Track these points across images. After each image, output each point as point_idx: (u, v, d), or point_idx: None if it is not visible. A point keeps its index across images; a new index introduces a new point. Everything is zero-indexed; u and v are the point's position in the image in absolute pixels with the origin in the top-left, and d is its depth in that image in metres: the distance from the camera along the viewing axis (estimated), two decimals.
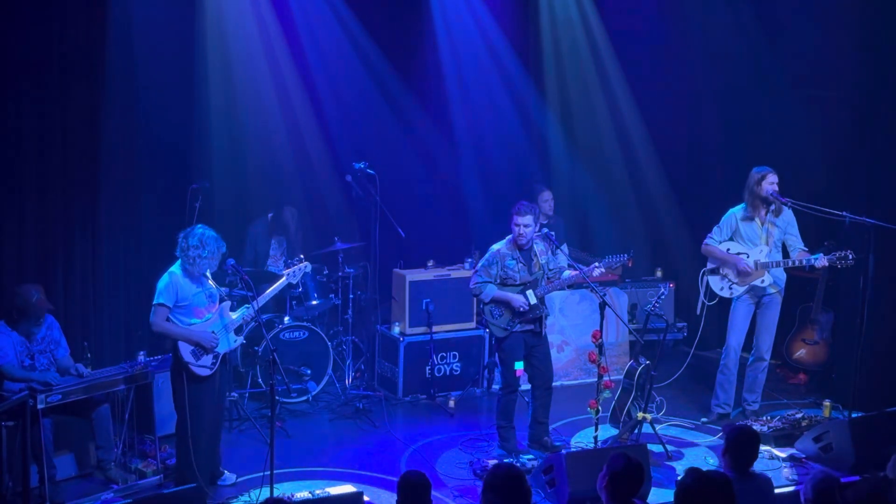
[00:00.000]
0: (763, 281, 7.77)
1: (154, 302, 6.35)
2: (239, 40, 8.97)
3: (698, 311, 7.91)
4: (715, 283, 7.87)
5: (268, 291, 6.81)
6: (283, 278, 6.91)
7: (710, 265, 7.90)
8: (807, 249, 7.76)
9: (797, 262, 7.67)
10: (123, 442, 6.97)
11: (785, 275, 7.83)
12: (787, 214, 7.76)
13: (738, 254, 7.75)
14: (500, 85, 10.12)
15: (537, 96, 10.28)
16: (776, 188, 7.64)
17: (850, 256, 7.46)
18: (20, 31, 7.21)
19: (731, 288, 7.84)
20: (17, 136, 7.29)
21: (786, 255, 7.79)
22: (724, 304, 8.02)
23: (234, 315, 6.60)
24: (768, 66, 9.32)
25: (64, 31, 7.42)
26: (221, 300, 6.57)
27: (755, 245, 7.74)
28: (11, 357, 6.57)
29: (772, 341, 7.95)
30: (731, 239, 7.82)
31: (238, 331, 6.62)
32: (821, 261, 7.53)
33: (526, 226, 7.07)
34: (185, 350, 6.34)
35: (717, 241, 7.82)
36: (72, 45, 7.47)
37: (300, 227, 9.19)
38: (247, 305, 6.63)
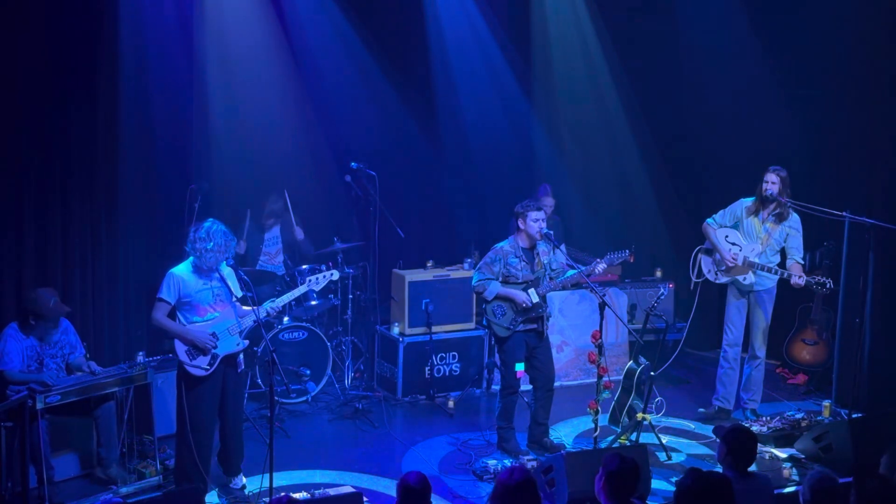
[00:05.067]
0: (746, 279, 7.79)
1: (157, 296, 6.39)
2: (238, 40, 8.96)
3: (692, 287, 7.96)
4: (706, 263, 7.96)
5: (284, 296, 6.78)
6: (305, 284, 6.88)
7: (706, 244, 7.93)
8: (803, 263, 7.78)
9: (778, 273, 7.67)
10: (122, 442, 6.95)
11: (776, 276, 7.83)
12: (794, 220, 7.74)
13: (733, 244, 7.77)
14: (502, 83, 10.10)
15: (537, 95, 10.27)
16: (772, 189, 7.63)
17: (829, 285, 7.46)
18: (20, 30, 7.22)
19: (716, 274, 7.88)
20: (17, 137, 7.27)
21: (783, 260, 7.80)
22: (722, 302, 8.04)
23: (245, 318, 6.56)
24: (767, 65, 9.31)
25: (62, 30, 7.41)
26: (244, 302, 6.54)
27: (751, 242, 7.75)
28: (16, 363, 6.57)
29: (764, 338, 7.96)
30: (734, 227, 7.83)
31: (241, 332, 6.59)
32: (798, 281, 7.53)
33: (543, 220, 7.18)
34: (180, 349, 6.35)
35: (716, 225, 7.85)
36: (70, 45, 7.46)
37: (289, 211, 9.06)
38: (271, 299, 6.65)
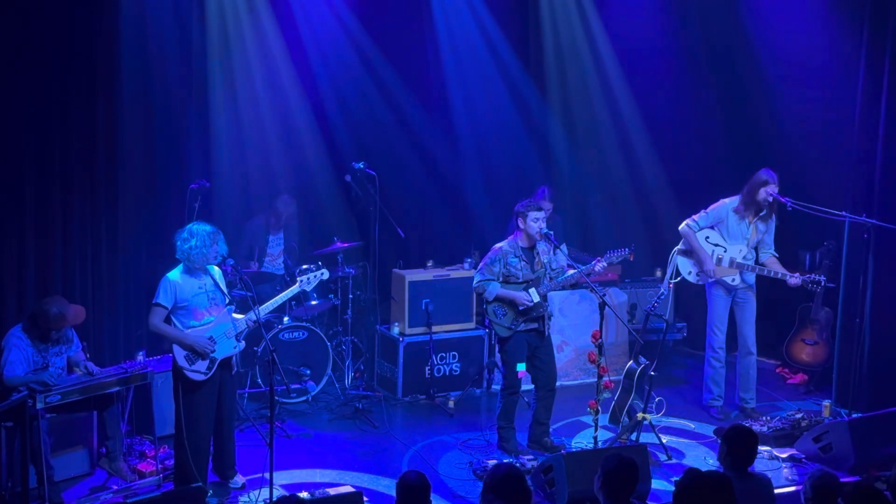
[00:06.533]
0: (734, 280, 7.79)
1: (152, 301, 6.38)
2: (240, 40, 8.98)
3: (664, 291, 7.82)
4: (684, 265, 7.93)
5: (277, 298, 6.78)
6: (297, 284, 6.88)
7: (683, 246, 7.93)
8: (777, 256, 7.79)
9: (771, 273, 7.68)
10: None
11: (755, 274, 7.84)
12: (773, 220, 7.77)
13: (716, 245, 7.76)
14: (501, 84, 10.11)
15: (538, 95, 10.27)
16: (774, 192, 7.65)
17: (823, 282, 7.51)
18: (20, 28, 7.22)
19: (697, 275, 7.88)
20: (18, 137, 7.27)
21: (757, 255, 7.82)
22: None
23: (238, 316, 6.57)
24: (768, 65, 9.31)
25: (62, 29, 7.42)
26: (242, 303, 6.54)
27: (736, 243, 7.75)
28: (20, 371, 6.56)
29: (754, 334, 7.97)
30: (713, 228, 7.83)
31: (238, 335, 6.60)
32: (794, 280, 7.55)
33: (543, 219, 7.17)
34: (179, 354, 6.34)
35: (698, 228, 7.83)
36: (70, 44, 7.47)
37: (296, 216, 9.16)
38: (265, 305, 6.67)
